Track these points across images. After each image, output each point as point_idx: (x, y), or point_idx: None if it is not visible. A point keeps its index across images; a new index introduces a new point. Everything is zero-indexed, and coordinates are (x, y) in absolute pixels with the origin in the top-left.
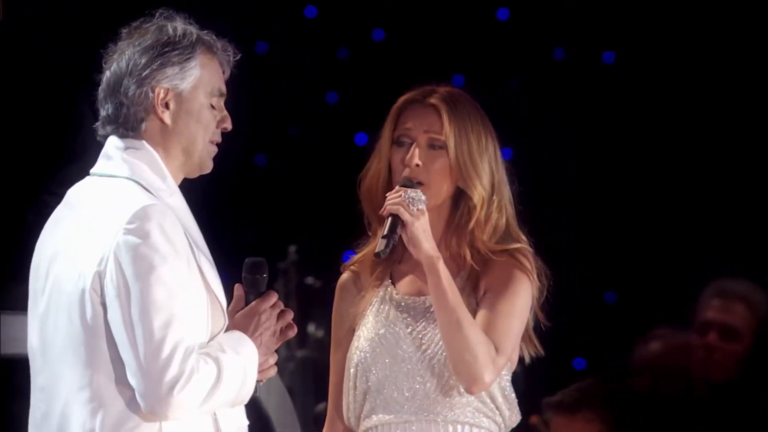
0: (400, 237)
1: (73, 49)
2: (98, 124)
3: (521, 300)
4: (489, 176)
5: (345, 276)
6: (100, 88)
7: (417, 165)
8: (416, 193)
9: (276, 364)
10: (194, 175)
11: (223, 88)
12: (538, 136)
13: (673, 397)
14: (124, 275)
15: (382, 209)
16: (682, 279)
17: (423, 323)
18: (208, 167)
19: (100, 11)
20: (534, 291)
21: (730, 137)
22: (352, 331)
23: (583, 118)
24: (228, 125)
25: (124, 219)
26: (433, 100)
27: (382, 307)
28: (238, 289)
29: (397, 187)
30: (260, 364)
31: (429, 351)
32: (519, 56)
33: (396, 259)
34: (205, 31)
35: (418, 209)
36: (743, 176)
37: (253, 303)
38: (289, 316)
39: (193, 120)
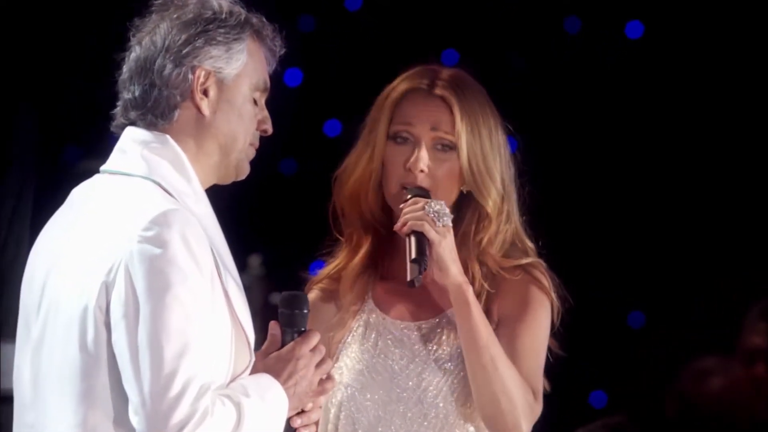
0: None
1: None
2: (117, 110)
3: (543, 328)
4: (501, 180)
5: (314, 295)
6: (125, 67)
7: (422, 170)
8: (440, 206)
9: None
10: (228, 180)
11: (268, 83)
12: (547, 126)
13: None
14: (134, 291)
15: (400, 224)
16: (723, 297)
17: (423, 353)
18: (245, 171)
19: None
20: (554, 314)
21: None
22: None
23: (603, 104)
24: (269, 128)
25: (139, 225)
26: (440, 91)
27: (368, 333)
28: (273, 328)
29: (412, 197)
30: (292, 420)
31: (431, 388)
32: (524, 28)
33: (377, 274)
34: (255, 14)
35: (443, 225)
36: None
37: (291, 344)
38: (328, 366)
39: (235, 113)
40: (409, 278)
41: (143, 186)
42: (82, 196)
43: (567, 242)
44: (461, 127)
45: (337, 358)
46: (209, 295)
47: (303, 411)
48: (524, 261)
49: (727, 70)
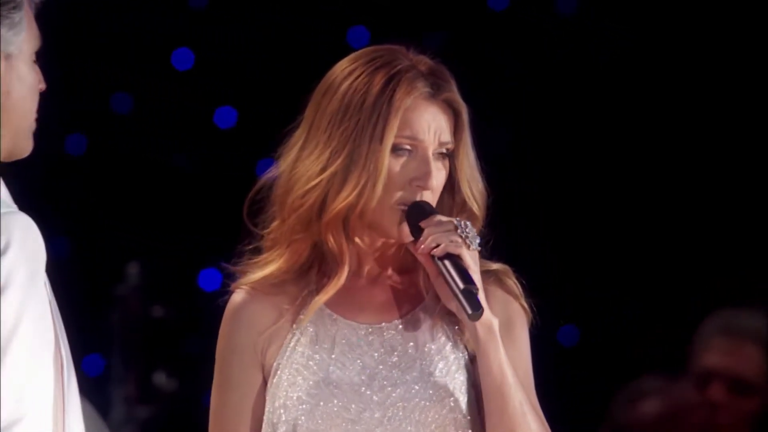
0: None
1: None
2: None
3: (529, 351)
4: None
5: (241, 296)
6: None
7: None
8: (470, 226)
9: None
10: (11, 159)
11: (40, 35)
12: (471, 115)
13: None
14: None
15: (429, 246)
16: (671, 309)
17: (389, 362)
18: (29, 148)
19: None
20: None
21: (747, 127)
22: (258, 371)
23: (533, 89)
24: (43, 85)
25: None
26: (445, 94)
27: (320, 337)
28: None
29: (437, 217)
30: None
31: (399, 404)
32: (444, 4)
33: (322, 273)
34: None
35: (474, 249)
36: (756, 172)
37: None
38: None
39: (26, 87)
40: (470, 312)
41: None
42: None
43: (490, 246)
44: (466, 132)
45: (277, 368)
46: (41, 317)
47: None
48: (494, 266)
49: (667, 46)
